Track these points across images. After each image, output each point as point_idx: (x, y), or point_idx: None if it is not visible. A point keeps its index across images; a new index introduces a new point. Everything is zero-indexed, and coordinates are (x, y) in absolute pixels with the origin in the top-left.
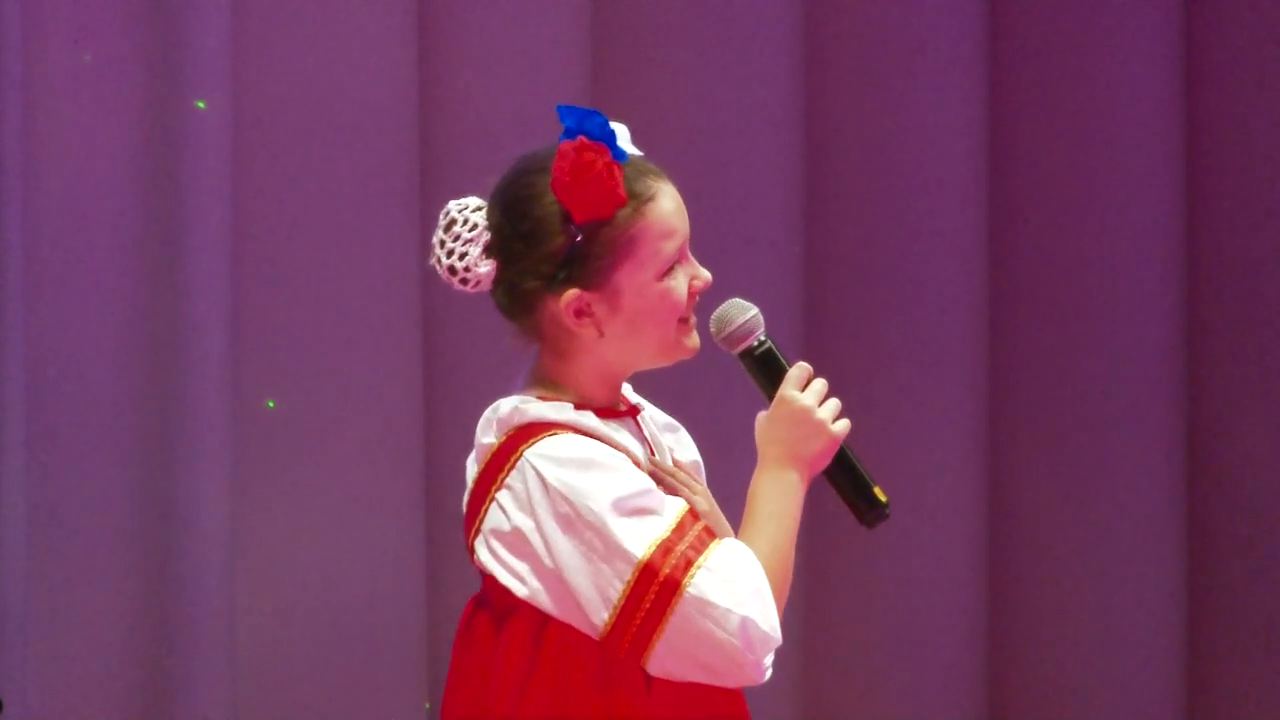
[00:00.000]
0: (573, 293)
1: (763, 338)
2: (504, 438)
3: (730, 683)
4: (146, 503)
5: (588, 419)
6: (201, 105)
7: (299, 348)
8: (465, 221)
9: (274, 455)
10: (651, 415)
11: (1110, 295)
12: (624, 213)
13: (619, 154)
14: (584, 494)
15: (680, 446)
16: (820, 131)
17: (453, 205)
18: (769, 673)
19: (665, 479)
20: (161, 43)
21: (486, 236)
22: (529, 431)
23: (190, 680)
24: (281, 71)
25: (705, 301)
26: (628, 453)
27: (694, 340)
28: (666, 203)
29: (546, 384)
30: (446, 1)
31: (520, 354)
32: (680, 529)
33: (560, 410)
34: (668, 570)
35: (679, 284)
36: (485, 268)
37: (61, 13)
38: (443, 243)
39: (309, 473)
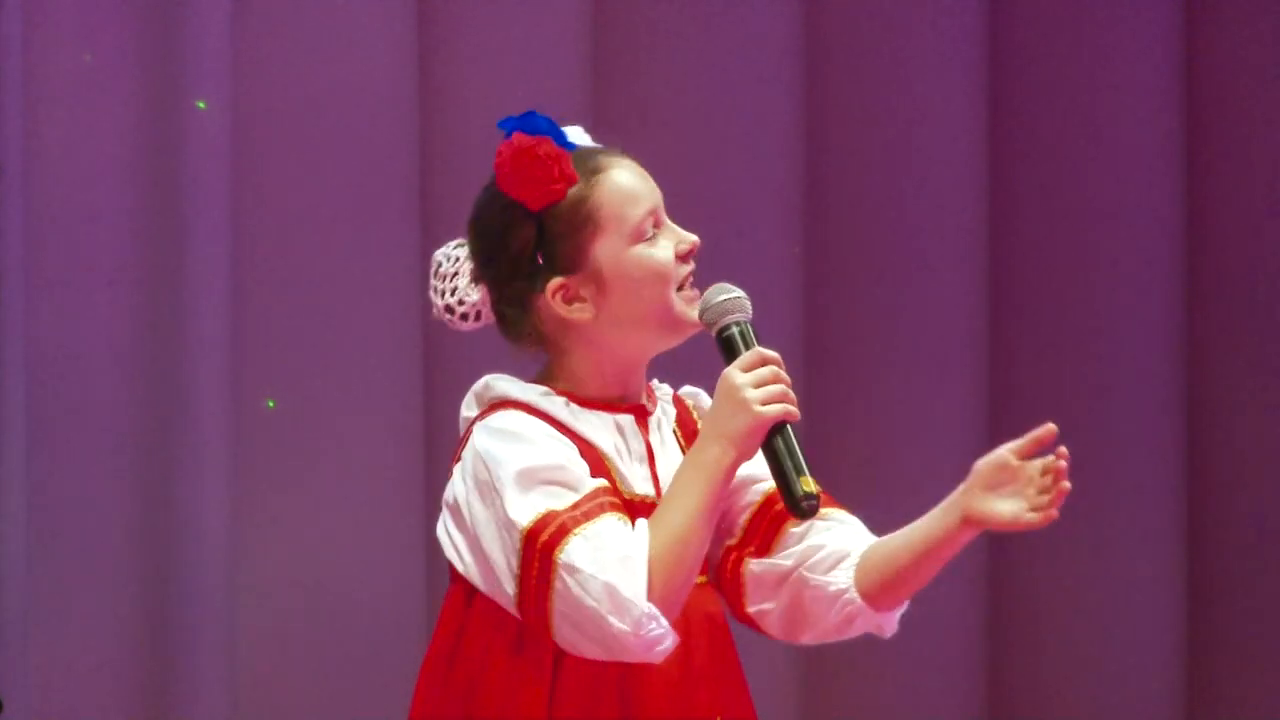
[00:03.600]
0: (556, 281)
1: (737, 320)
2: (478, 412)
3: (620, 656)
4: (146, 503)
5: (551, 402)
6: (202, 105)
7: (299, 348)
8: (448, 258)
9: (274, 455)
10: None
11: (1110, 295)
12: (577, 190)
13: (565, 144)
14: (498, 462)
15: None
16: (820, 131)
17: (437, 253)
18: (659, 648)
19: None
20: (161, 43)
21: (469, 265)
22: (493, 407)
23: (190, 680)
24: (281, 71)
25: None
26: (584, 441)
27: (693, 311)
28: (621, 173)
29: (545, 376)
30: (446, 1)
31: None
32: (582, 502)
33: (526, 390)
34: (545, 538)
35: (660, 250)
36: (476, 294)
37: (61, 13)
38: (435, 289)
39: (309, 473)
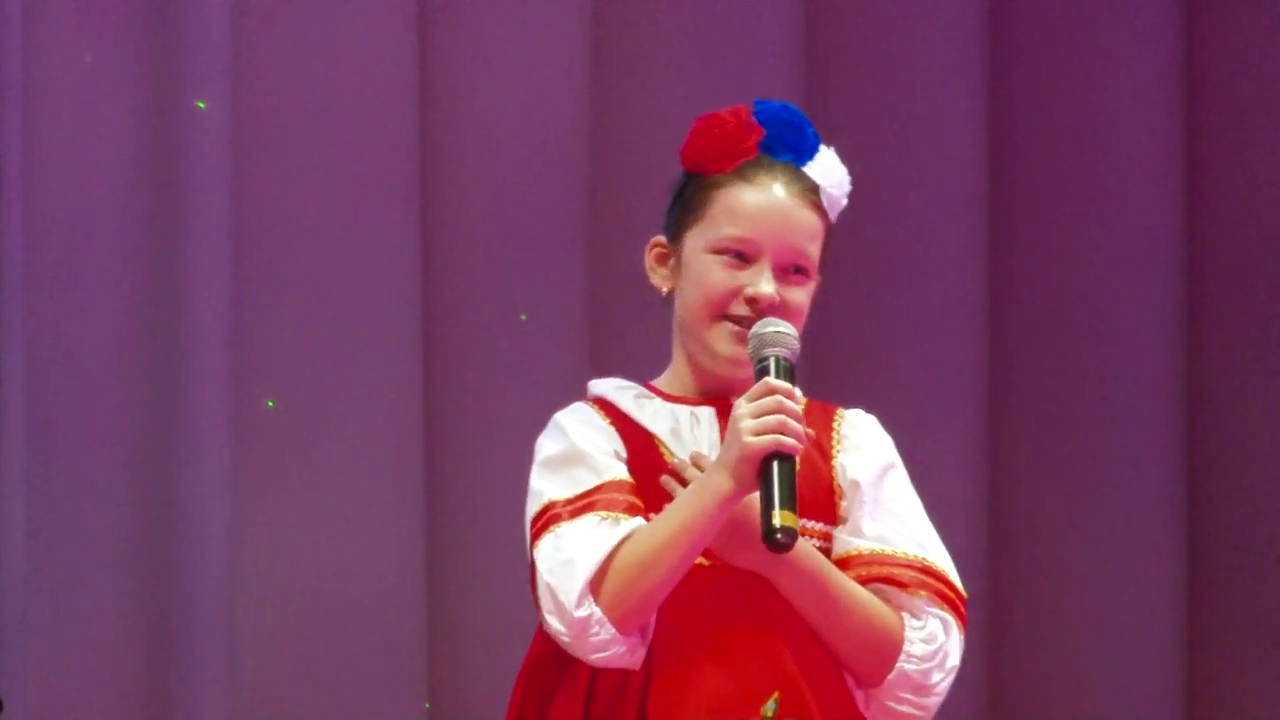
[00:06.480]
0: (659, 237)
1: (775, 355)
2: None
3: (571, 652)
4: (146, 503)
5: (621, 394)
6: (201, 105)
7: (299, 348)
8: None
9: (274, 455)
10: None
11: (1110, 295)
12: (719, 178)
13: (774, 147)
14: (536, 453)
15: (851, 466)
16: (821, 131)
17: None
18: (600, 654)
19: (677, 472)
20: (161, 43)
21: None
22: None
23: (190, 680)
24: (281, 71)
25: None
26: (636, 426)
27: (724, 346)
28: (758, 195)
29: (671, 359)
30: (446, 1)
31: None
32: (584, 495)
33: (605, 384)
34: (533, 531)
35: (723, 275)
36: None
37: (61, 13)
38: None
39: (309, 473)
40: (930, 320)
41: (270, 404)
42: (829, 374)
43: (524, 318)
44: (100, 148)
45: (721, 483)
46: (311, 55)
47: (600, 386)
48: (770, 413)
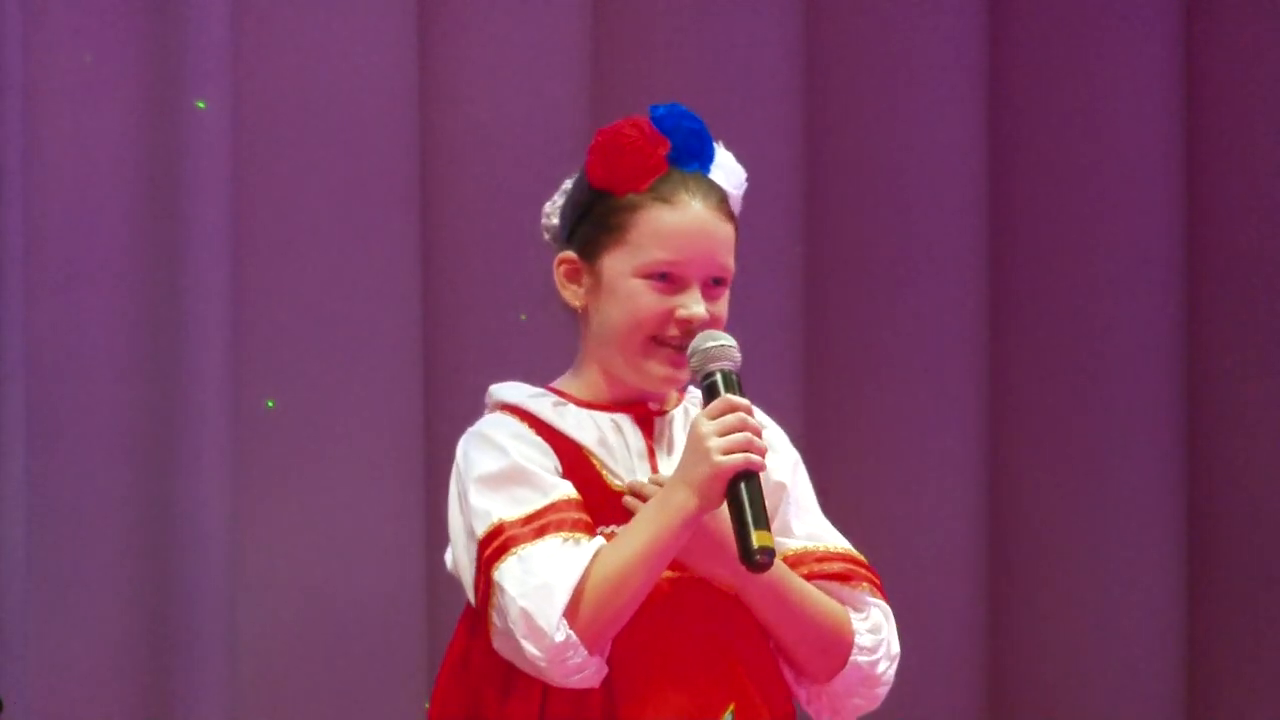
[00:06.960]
0: (567, 253)
1: (722, 369)
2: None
3: (542, 678)
4: (146, 503)
5: (539, 402)
6: (201, 105)
7: (299, 348)
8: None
9: (274, 455)
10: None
11: (1110, 295)
12: (635, 198)
13: (681, 157)
14: (468, 467)
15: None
16: (820, 132)
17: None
18: (577, 676)
19: (636, 492)
20: (161, 43)
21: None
22: (493, 410)
23: (190, 680)
24: (281, 71)
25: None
26: (565, 438)
27: (659, 370)
28: (680, 215)
29: (576, 365)
30: (446, 1)
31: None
32: (536, 515)
33: (518, 392)
34: (488, 553)
35: (652, 299)
36: (555, 219)
37: (61, 13)
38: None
39: (309, 473)
40: (931, 320)
41: (270, 404)
42: (830, 375)
43: (524, 318)
44: (100, 148)
45: (687, 501)
46: (311, 55)
47: (511, 394)
48: (735, 430)
